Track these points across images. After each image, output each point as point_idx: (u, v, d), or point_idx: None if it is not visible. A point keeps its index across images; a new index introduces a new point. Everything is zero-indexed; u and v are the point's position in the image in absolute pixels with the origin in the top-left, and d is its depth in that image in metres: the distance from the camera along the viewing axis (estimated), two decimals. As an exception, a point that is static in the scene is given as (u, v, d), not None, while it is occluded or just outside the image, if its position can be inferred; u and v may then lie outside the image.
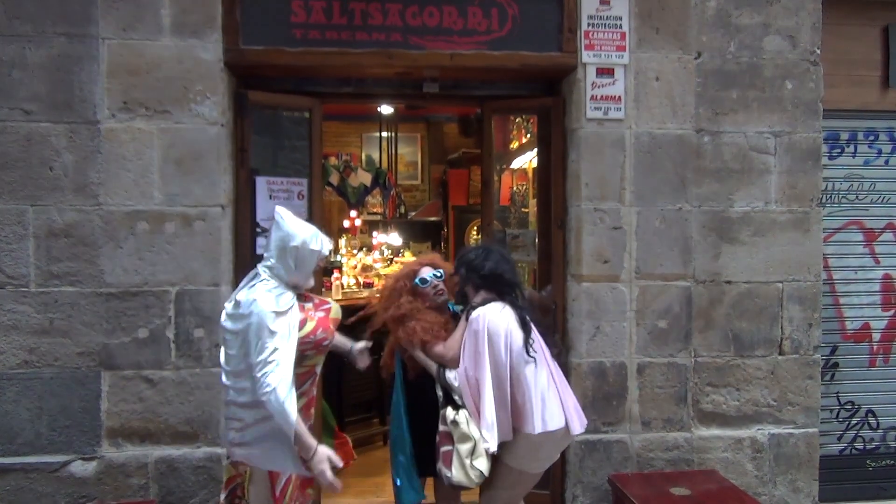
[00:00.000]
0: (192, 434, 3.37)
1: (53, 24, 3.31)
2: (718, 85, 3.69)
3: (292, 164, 3.84)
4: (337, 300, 3.45)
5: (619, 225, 3.63)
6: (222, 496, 2.70)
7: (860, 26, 4.00)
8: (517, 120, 4.89)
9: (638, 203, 3.63)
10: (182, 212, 3.37)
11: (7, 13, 3.29)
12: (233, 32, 3.46)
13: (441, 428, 2.87)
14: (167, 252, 3.36)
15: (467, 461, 2.77)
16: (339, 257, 7.26)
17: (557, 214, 3.80)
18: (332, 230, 8.03)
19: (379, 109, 7.57)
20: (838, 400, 4.07)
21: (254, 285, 2.56)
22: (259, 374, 2.41)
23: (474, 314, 2.82)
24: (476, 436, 2.77)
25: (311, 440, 2.50)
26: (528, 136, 4.75)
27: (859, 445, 4.08)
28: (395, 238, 8.17)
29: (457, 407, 2.85)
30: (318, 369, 2.73)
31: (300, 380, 2.59)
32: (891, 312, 4.10)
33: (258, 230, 3.65)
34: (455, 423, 2.80)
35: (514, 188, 4.84)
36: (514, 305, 2.87)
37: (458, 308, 3.10)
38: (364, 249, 8.01)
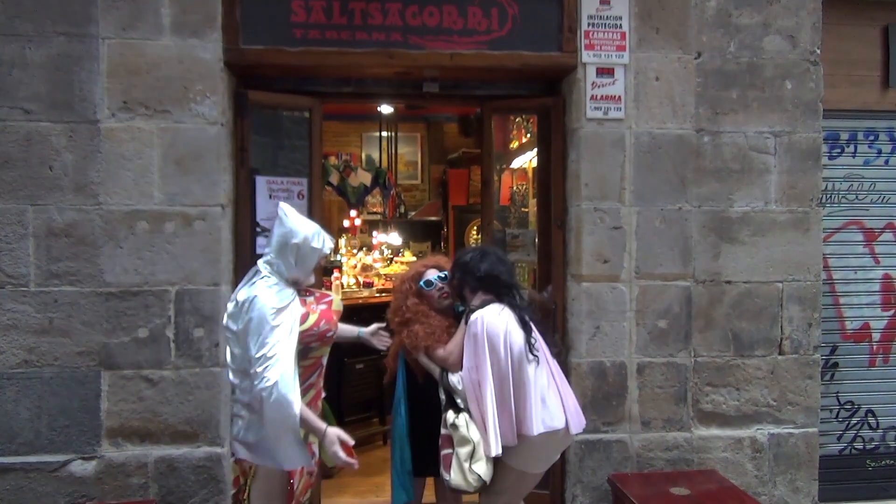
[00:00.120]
0: (191, 434, 3.37)
1: (53, 24, 3.31)
2: (718, 85, 3.69)
3: (292, 163, 3.84)
4: (336, 300, 3.46)
5: (618, 225, 3.63)
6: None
7: (860, 26, 4.00)
8: (517, 120, 4.89)
9: (638, 203, 3.63)
10: (182, 211, 3.37)
11: (7, 12, 3.29)
12: (233, 32, 3.46)
13: (443, 431, 2.88)
14: (167, 252, 3.36)
15: (466, 465, 2.77)
16: (339, 257, 7.26)
17: (557, 214, 3.80)
18: (332, 230, 8.01)
19: (379, 109, 7.57)
20: (838, 400, 4.07)
21: (254, 282, 2.57)
22: (259, 369, 2.42)
23: (473, 317, 2.82)
24: (475, 439, 2.77)
25: (319, 423, 2.52)
26: (528, 135, 4.76)
27: (859, 445, 4.08)
28: (394, 238, 8.17)
29: (458, 410, 2.85)
30: (325, 360, 2.75)
31: (307, 372, 2.60)
32: (890, 312, 4.11)
33: (258, 230, 3.66)
34: (454, 426, 2.81)
35: (514, 188, 4.84)
36: (513, 306, 2.86)
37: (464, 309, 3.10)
38: (364, 249, 8.01)
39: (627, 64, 3.63)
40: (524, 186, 4.81)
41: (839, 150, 4.07)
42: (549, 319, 3.68)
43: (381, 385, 3.58)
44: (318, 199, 3.86)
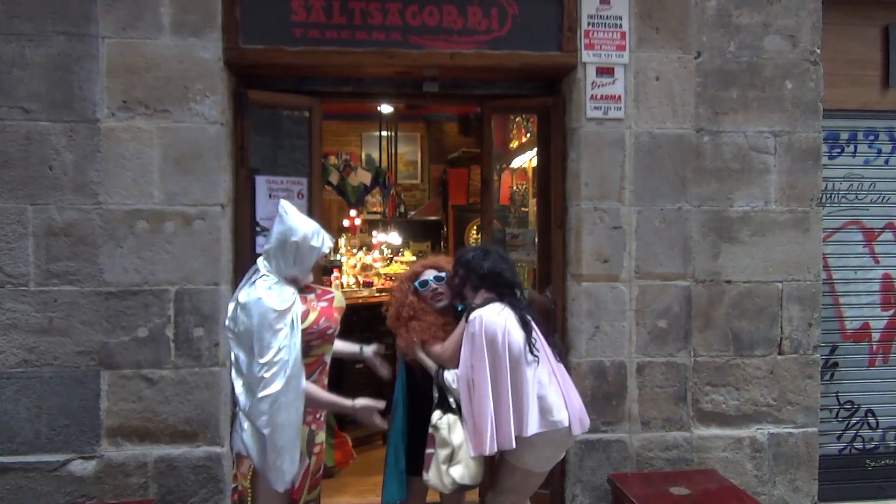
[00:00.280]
0: (191, 433, 3.37)
1: (53, 23, 3.30)
2: (718, 84, 3.69)
3: (292, 163, 3.84)
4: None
5: (618, 224, 3.63)
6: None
7: (860, 26, 4.00)
8: (517, 119, 4.89)
9: (638, 203, 3.63)
10: (182, 211, 3.37)
11: (7, 12, 3.28)
12: (232, 31, 3.45)
13: (430, 430, 2.88)
14: (167, 251, 3.36)
15: (443, 467, 2.79)
16: (338, 256, 7.26)
17: (557, 214, 3.80)
18: (332, 229, 8.01)
19: (379, 109, 7.56)
20: (838, 399, 4.07)
21: (254, 282, 2.56)
22: (267, 375, 2.42)
23: (472, 315, 2.81)
24: (455, 443, 2.78)
25: (344, 400, 2.62)
26: (528, 135, 4.75)
27: (859, 445, 4.08)
28: (394, 237, 8.17)
29: (447, 410, 2.85)
30: (328, 359, 2.76)
31: (309, 370, 2.61)
32: (890, 312, 4.11)
33: (258, 229, 3.65)
34: (436, 427, 2.82)
35: (514, 187, 4.84)
36: (514, 306, 2.86)
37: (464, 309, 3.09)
38: (364, 249, 8.01)
39: (627, 64, 3.63)
40: (524, 186, 4.81)
41: (839, 150, 4.07)
42: (549, 319, 3.68)
43: (381, 385, 3.57)
44: (318, 199, 3.86)
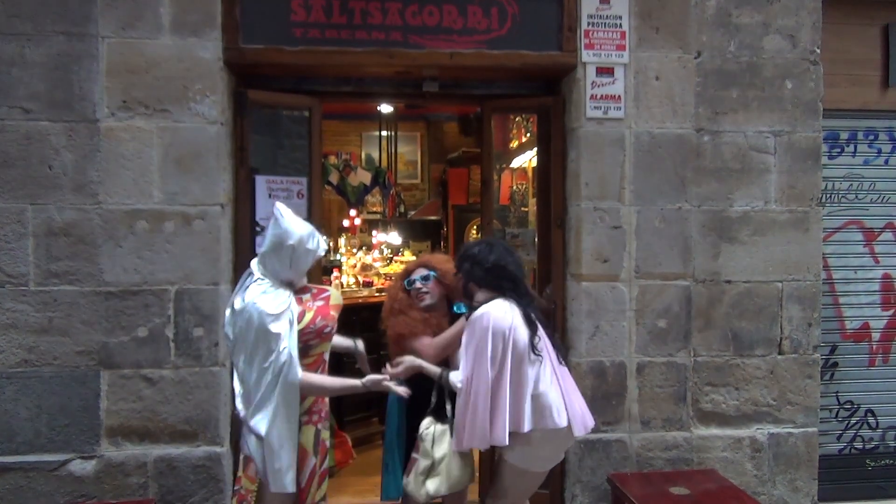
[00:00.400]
0: (191, 433, 3.37)
1: (53, 23, 3.30)
2: (718, 84, 3.69)
3: (292, 162, 3.84)
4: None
5: (618, 224, 3.63)
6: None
7: (860, 26, 4.00)
8: (517, 119, 4.89)
9: (637, 202, 3.63)
10: (181, 211, 3.37)
11: (6, 11, 3.28)
12: (232, 31, 3.45)
13: (417, 436, 2.89)
14: (166, 251, 3.36)
15: (420, 478, 2.79)
16: (338, 256, 7.26)
17: (557, 214, 3.80)
18: (332, 229, 8.03)
19: (379, 108, 7.57)
20: (837, 399, 4.07)
21: (248, 287, 2.56)
22: (264, 377, 2.43)
23: (478, 312, 2.77)
24: (436, 457, 2.78)
25: (351, 381, 2.62)
26: (528, 135, 4.76)
27: (858, 445, 4.08)
28: (394, 237, 8.17)
29: (440, 418, 2.83)
30: (326, 356, 2.76)
31: (310, 370, 2.61)
32: (890, 312, 4.11)
33: (258, 229, 3.65)
34: (422, 437, 2.82)
35: (514, 187, 4.84)
36: (520, 303, 2.83)
37: (464, 308, 3.08)
38: (364, 248, 8.01)
39: (627, 63, 3.63)
40: (524, 186, 4.81)
41: (839, 150, 4.07)
42: (548, 319, 3.67)
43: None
44: (318, 199, 3.86)
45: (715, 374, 3.71)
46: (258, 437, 2.51)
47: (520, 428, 2.69)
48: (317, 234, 2.67)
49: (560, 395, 2.79)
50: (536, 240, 4.05)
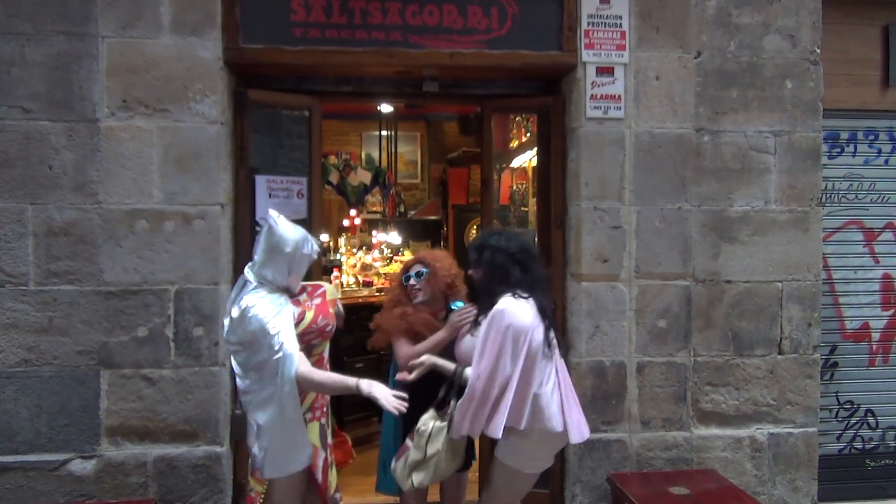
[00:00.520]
0: (191, 433, 3.37)
1: (53, 23, 3.30)
2: (718, 84, 3.69)
3: (292, 162, 3.83)
4: (336, 299, 3.47)
5: (618, 224, 3.63)
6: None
7: (860, 26, 4.00)
8: (517, 119, 4.89)
9: (637, 202, 3.63)
10: (181, 210, 3.37)
11: (6, 11, 3.28)
12: (232, 31, 3.45)
13: (418, 424, 2.84)
14: (166, 251, 3.36)
15: (407, 469, 2.79)
16: (338, 256, 7.26)
17: (557, 213, 3.79)
18: (332, 229, 8.03)
19: (379, 108, 7.56)
20: (837, 399, 4.07)
21: (244, 296, 2.56)
22: (272, 375, 2.44)
23: (499, 307, 2.70)
24: (429, 453, 2.76)
25: (348, 380, 2.56)
26: (528, 135, 4.76)
27: (858, 445, 4.08)
28: (394, 237, 8.17)
29: (441, 416, 2.82)
30: (326, 354, 2.77)
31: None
32: (890, 312, 4.11)
33: (257, 229, 3.62)
34: (419, 432, 2.80)
35: (514, 187, 4.84)
36: (535, 296, 2.79)
37: (460, 305, 3.07)
38: (364, 248, 8.01)
39: (627, 63, 3.63)
40: (524, 186, 4.81)
41: (839, 150, 4.07)
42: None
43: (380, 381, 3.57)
44: (318, 198, 3.86)
45: (715, 373, 3.71)
46: (259, 427, 2.51)
47: (517, 424, 2.69)
48: (310, 237, 2.67)
49: (559, 399, 2.78)
50: (536, 240, 4.04)
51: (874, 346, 4.09)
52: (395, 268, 7.42)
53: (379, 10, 3.55)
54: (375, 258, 7.64)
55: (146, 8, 3.34)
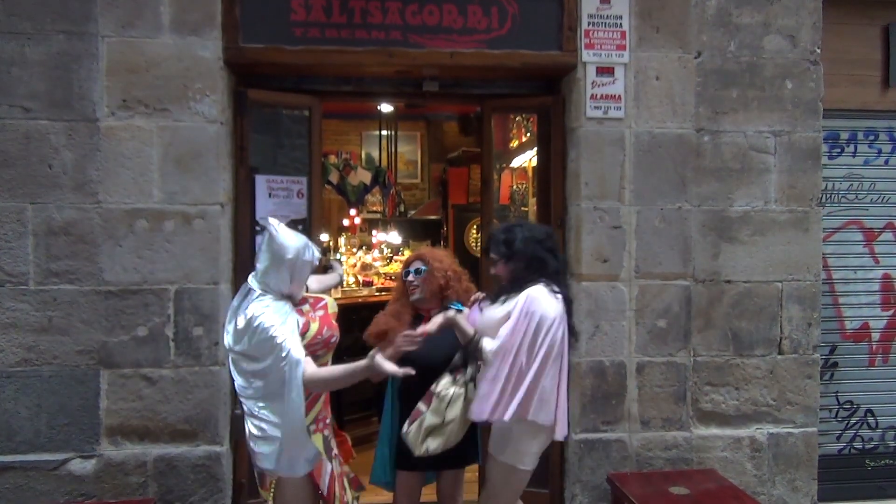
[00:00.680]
0: (191, 432, 3.37)
1: (52, 22, 3.30)
2: (718, 84, 3.69)
3: (292, 162, 3.83)
4: (336, 299, 3.46)
5: (618, 224, 3.62)
6: None
7: (860, 26, 4.00)
8: (517, 119, 4.89)
9: (637, 202, 3.63)
10: (181, 210, 3.37)
11: (6, 10, 3.28)
12: (232, 30, 3.45)
13: (432, 387, 2.81)
14: (166, 250, 3.36)
15: (423, 434, 2.75)
16: (338, 256, 7.26)
17: (557, 213, 3.79)
18: (332, 229, 8.04)
19: (379, 108, 7.56)
20: (837, 399, 4.07)
21: (249, 304, 2.56)
22: (286, 368, 2.45)
23: (533, 294, 2.72)
24: (447, 418, 2.73)
25: (356, 365, 2.53)
26: (528, 134, 4.75)
27: (858, 445, 4.08)
28: (394, 236, 8.17)
29: (456, 381, 2.79)
30: (329, 365, 2.76)
31: None
32: (890, 312, 4.11)
33: (257, 228, 3.65)
34: (440, 396, 2.76)
35: (514, 187, 4.84)
36: (560, 285, 2.82)
37: (458, 305, 3.07)
38: (364, 248, 8.01)
39: (627, 63, 3.63)
40: (524, 185, 4.81)
41: (839, 150, 4.06)
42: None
43: (381, 384, 3.57)
44: (318, 198, 3.86)
45: (715, 373, 3.71)
46: (263, 430, 2.52)
47: (524, 414, 2.69)
48: (311, 244, 2.66)
49: (556, 394, 2.79)
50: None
51: (874, 346, 4.09)
52: (395, 267, 7.43)
53: (379, 10, 3.55)
54: (375, 258, 7.64)
55: (146, 7, 3.34)
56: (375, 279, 6.87)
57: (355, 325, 4.83)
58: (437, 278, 3.05)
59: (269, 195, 3.68)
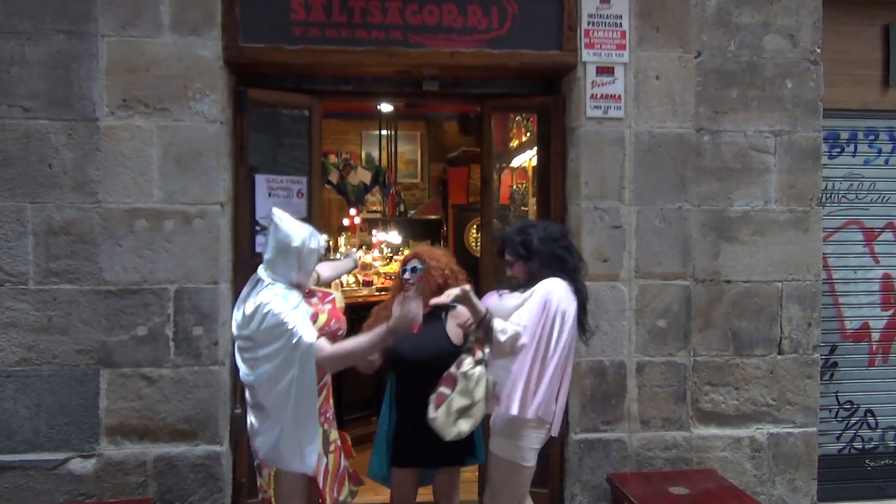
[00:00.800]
0: (190, 432, 3.37)
1: (52, 21, 3.30)
2: (718, 84, 3.69)
3: (292, 161, 3.83)
4: (336, 298, 3.47)
5: (618, 224, 3.62)
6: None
7: (860, 25, 4.00)
8: (517, 118, 4.89)
9: (637, 202, 3.63)
10: (181, 209, 3.37)
11: (6, 10, 3.28)
12: (232, 30, 3.45)
13: (451, 370, 2.75)
14: (166, 250, 3.36)
15: (454, 416, 2.69)
16: (338, 255, 7.26)
17: (557, 213, 3.79)
18: (332, 228, 8.03)
19: (379, 107, 7.56)
20: (837, 399, 4.07)
21: (258, 292, 2.57)
22: (297, 352, 2.46)
23: (551, 286, 2.75)
24: (477, 398, 2.68)
25: (375, 332, 2.53)
26: (528, 134, 4.75)
27: (858, 445, 4.08)
28: (394, 236, 8.18)
29: (479, 362, 2.77)
30: None
31: (320, 371, 2.62)
32: (890, 312, 4.10)
33: (257, 228, 3.65)
34: (466, 375, 2.70)
35: (514, 186, 4.84)
36: (575, 281, 2.84)
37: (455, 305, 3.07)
38: (364, 248, 8.01)
39: (627, 63, 3.63)
40: (524, 185, 4.81)
41: (839, 150, 4.06)
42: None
43: (381, 384, 3.58)
44: (318, 198, 3.86)
45: (714, 373, 3.71)
46: (268, 419, 2.53)
47: (527, 413, 2.70)
48: (316, 232, 2.70)
49: (555, 391, 2.79)
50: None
51: (874, 346, 4.09)
52: (395, 267, 7.43)
53: (379, 10, 3.55)
54: (375, 258, 7.64)
55: (146, 7, 3.34)
56: (375, 279, 6.87)
57: (355, 324, 4.82)
58: (435, 277, 3.04)
59: (269, 195, 3.68)
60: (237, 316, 2.61)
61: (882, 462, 4.09)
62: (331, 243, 7.78)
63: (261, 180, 3.68)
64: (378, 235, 8.20)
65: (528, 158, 4.75)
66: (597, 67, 3.62)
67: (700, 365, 3.70)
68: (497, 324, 2.69)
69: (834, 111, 3.88)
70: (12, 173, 3.29)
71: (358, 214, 8.03)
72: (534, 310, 2.72)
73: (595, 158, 3.62)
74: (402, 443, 3.02)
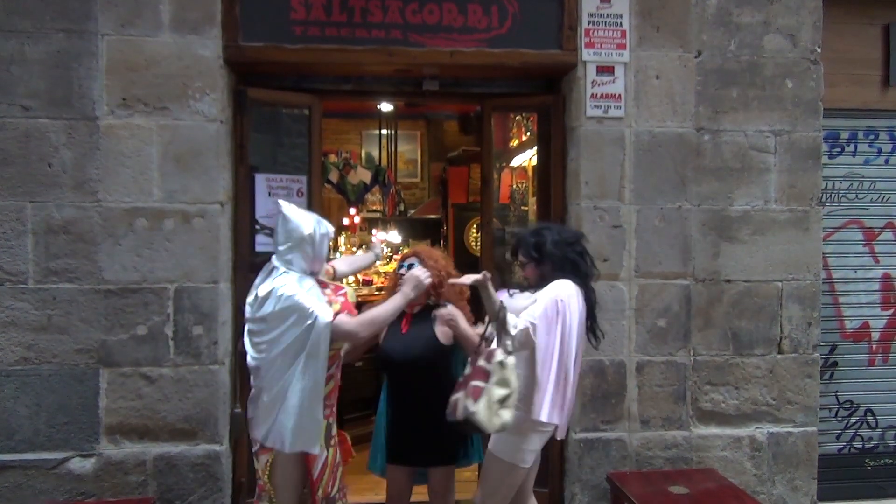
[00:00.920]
0: (190, 431, 3.37)
1: (52, 20, 3.30)
2: (719, 83, 3.69)
3: (292, 161, 3.83)
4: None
5: (618, 223, 3.62)
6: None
7: (861, 25, 4.00)
8: (517, 118, 4.88)
9: (637, 201, 3.63)
10: (181, 209, 3.37)
11: (6, 9, 3.28)
12: (232, 29, 3.45)
13: (480, 363, 2.68)
14: (166, 249, 3.35)
15: (495, 406, 2.60)
16: (338, 255, 7.26)
17: (557, 213, 3.79)
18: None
19: (379, 107, 7.56)
20: (837, 399, 4.07)
21: (274, 277, 2.60)
22: (312, 332, 2.50)
23: (561, 289, 2.76)
24: (514, 386, 2.63)
25: (396, 298, 2.78)
26: (528, 133, 4.75)
27: (858, 444, 4.09)
28: (394, 236, 8.17)
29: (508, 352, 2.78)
30: (343, 352, 2.81)
31: (328, 363, 2.63)
32: (890, 311, 4.11)
33: (257, 227, 3.65)
34: (503, 364, 2.62)
35: (514, 186, 4.83)
36: (585, 285, 2.85)
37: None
38: (363, 247, 8.00)
39: (628, 62, 3.63)
40: (524, 185, 4.80)
41: (839, 149, 4.06)
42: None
43: (380, 382, 3.58)
44: (318, 197, 3.85)
45: (714, 373, 3.71)
46: (275, 398, 2.55)
47: (538, 416, 2.70)
48: (323, 219, 2.75)
49: (563, 394, 2.78)
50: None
51: (874, 346, 4.09)
52: (395, 267, 7.42)
53: (379, 9, 3.55)
54: (375, 257, 7.60)
55: (146, 6, 3.33)
56: (375, 278, 6.86)
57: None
58: (433, 273, 3.05)
59: (269, 194, 3.68)
60: (250, 300, 2.65)
61: (882, 461, 4.09)
62: (330, 243, 7.77)
63: (261, 179, 3.68)
64: (378, 235, 8.19)
65: (528, 158, 4.75)
66: (597, 67, 3.62)
67: (700, 364, 3.70)
68: (510, 318, 2.68)
69: (834, 111, 3.88)
70: (12, 172, 3.28)
71: (358, 214, 8.03)
72: (543, 309, 2.72)
73: (595, 158, 3.62)
74: (396, 441, 3.05)
